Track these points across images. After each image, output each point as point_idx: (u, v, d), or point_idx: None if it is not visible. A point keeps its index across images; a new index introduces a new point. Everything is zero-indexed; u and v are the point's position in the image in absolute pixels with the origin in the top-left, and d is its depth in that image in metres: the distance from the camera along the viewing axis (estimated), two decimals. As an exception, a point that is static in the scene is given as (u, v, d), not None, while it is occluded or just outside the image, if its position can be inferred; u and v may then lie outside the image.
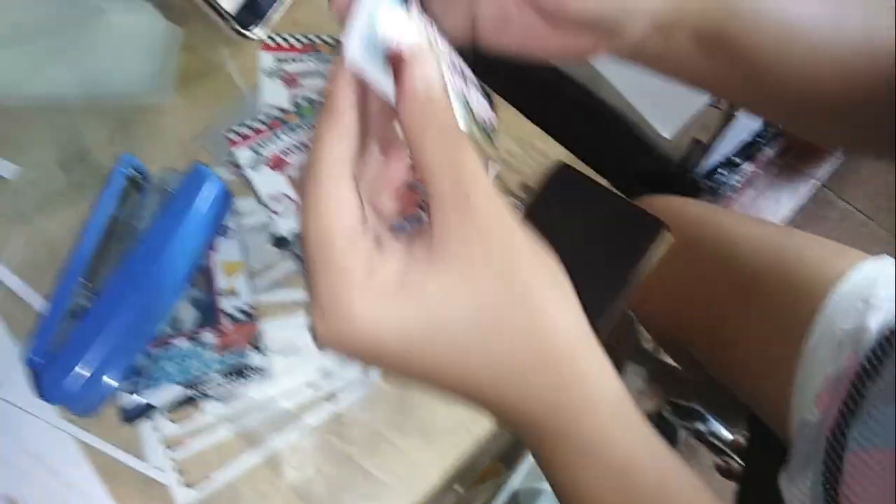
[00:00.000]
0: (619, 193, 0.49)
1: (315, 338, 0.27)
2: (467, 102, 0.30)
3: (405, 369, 0.29)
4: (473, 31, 0.36)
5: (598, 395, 0.29)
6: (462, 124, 0.28)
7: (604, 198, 0.49)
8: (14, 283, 0.48)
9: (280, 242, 0.49)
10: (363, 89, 0.28)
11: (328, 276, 0.27)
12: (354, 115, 0.28)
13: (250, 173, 0.50)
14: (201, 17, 0.55)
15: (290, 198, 0.50)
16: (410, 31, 0.27)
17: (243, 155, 0.51)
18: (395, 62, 0.27)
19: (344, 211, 0.27)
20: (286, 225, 0.49)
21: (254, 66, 0.55)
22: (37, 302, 0.48)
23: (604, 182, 0.51)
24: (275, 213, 0.50)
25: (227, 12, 0.53)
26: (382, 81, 0.27)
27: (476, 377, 0.28)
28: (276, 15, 0.55)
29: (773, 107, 0.43)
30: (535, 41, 0.37)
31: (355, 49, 0.26)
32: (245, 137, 0.51)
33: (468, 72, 0.32)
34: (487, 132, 0.31)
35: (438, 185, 0.27)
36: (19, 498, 0.44)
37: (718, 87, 0.43)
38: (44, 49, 0.53)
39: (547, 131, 0.55)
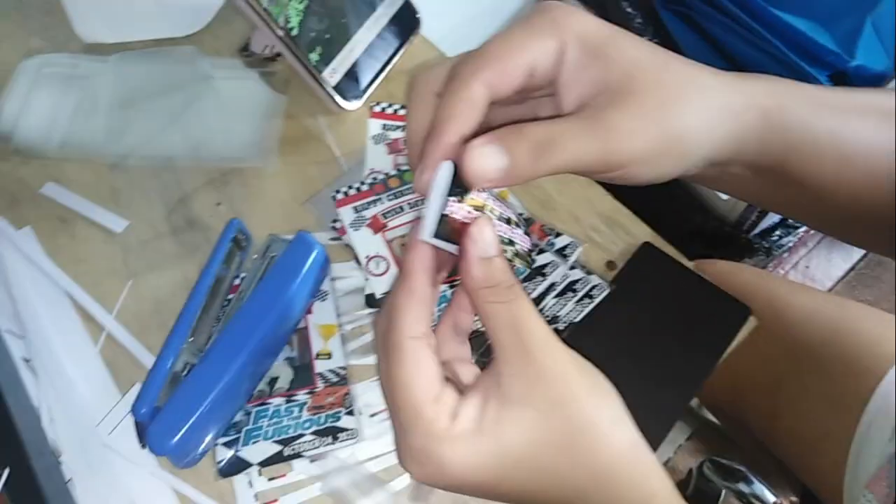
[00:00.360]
0: (703, 276, 0.50)
1: (407, 471, 0.34)
2: (512, 242, 0.36)
3: (492, 496, 0.34)
4: None
5: (651, 493, 0.33)
6: (511, 256, 0.35)
7: (688, 279, 0.51)
8: (121, 335, 0.51)
9: (373, 302, 0.52)
10: (436, 256, 0.34)
11: (415, 431, 0.32)
12: (427, 283, 0.34)
13: (351, 233, 0.53)
14: (302, 87, 0.58)
15: (385, 259, 0.52)
16: (470, 208, 0.33)
17: (346, 214, 0.54)
18: (460, 232, 0.33)
19: (424, 377, 0.33)
20: (380, 285, 0.51)
21: (349, 135, 0.58)
22: (141, 354, 0.51)
23: (686, 262, 0.52)
24: (370, 272, 0.52)
25: (328, 84, 0.56)
26: (450, 248, 0.33)
27: (551, 498, 0.34)
28: (373, 88, 0.58)
29: (828, 225, 0.45)
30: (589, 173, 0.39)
31: (429, 227, 0.33)
32: (350, 198, 0.54)
33: (513, 215, 0.37)
34: (525, 257, 0.37)
35: (500, 337, 0.32)
36: (117, 543, 0.46)
37: (770, 204, 0.45)
38: (158, 112, 0.57)
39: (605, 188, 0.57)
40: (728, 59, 0.93)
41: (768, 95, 0.36)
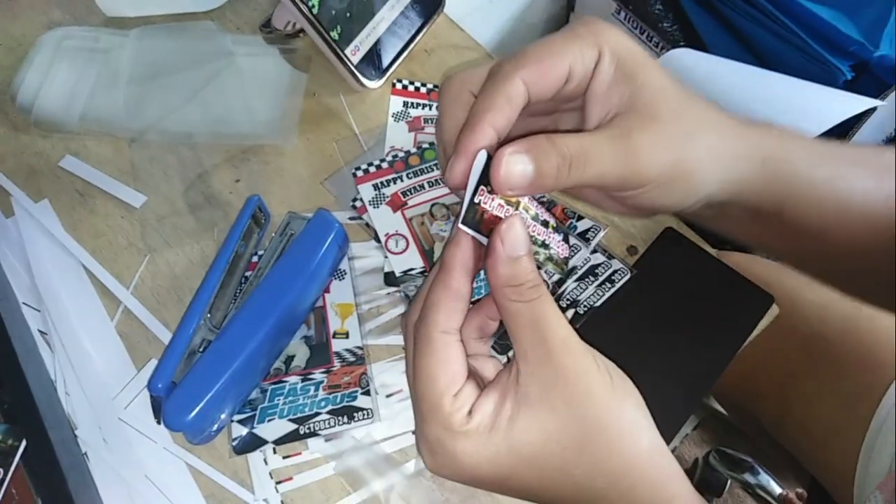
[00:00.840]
0: (725, 262, 0.50)
1: (422, 459, 0.35)
2: (546, 245, 0.37)
3: (501, 491, 0.35)
4: None
5: (668, 497, 0.34)
6: (544, 260, 0.36)
7: (711, 265, 0.50)
8: (138, 309, 0.51)
9: (391, 280, 0.51)
10: (477, 246, 0.35)
11: (435, 423, 0.33)
12: (464, 280, 0.34)
13: (371, 210, 0.52)
14: (323, 65, 0.58)
15: (404, 237, 0.52)
16: (503, 202, 0.34)
17: (366, 192, 0.53)
18: (492, 226, 0.34)
19: (449, 371, 0.34)
20: (399, 263, 0.51)
21: (370, 114, 0.58)
22: (157, 329, 0.51)
23: (708, 248, 0.52)
24: (389, 250, 0.51)
25: (350, 62, 0.55)
26: (481, 239, 0.34)
27: (561, 498, 0.34)
28: (395, 67, 0.57)
29: (829, 276, 0.46)
30: (589, 193, 0.42)
31: (461, 215, 0.33)
32: (369, 175, 0.54)
33: (552, 219, 0.38)
34: (561, 264, 0.38)
35: (521, 336, 0.33)
36: (131, 517, 0.46)
37: (769, 248, 0.45)
38: (178, 87, 0.56)
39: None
40: (748, 47, 0.92)
41: (770, 144, 0.38)
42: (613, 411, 0.33)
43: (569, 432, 0.32)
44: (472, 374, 0.35)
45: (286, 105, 0.57)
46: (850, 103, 0.75)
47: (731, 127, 0.37)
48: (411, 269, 0.51)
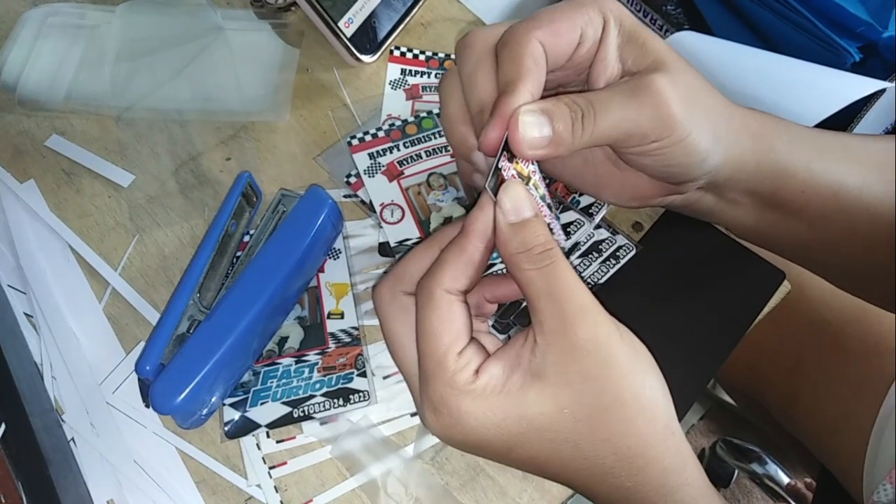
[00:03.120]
0: (732, 237, 0.48)
1: (426, 426, 0.33)
2: (552, 230, 0.35)
3: (504, 460, 0.33)
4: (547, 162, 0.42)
5: (679, 484, 0.32)
6: None
7: (719, 241, 0.48)
8: (126, 291, 0.49)
9: (385, 251, 0.50)
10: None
11: (437, 380, 0.32)
12: (479, 246, 0.33)
13: (366, 180, 0.51)
14: (316, 39, 0.56)
15: (400, 207, 0.50)
16: (515, 172, 0.33)
17: (361, 161, 0.51)
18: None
19: (452, 329, 0.32)
20: (394, 233, 0.49)
21: (364, 89, 0.56)
22: (146, 311, 0.49)
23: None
24: (384, 220, 0.50)
25: (344, 35, 0.53)
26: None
27: (566, 470, 0.33)
28: (390, 40, 0.56)
29: (823, 264, 0.46)
30: (592, 181, 0.42)
31: (487, 177, 0.33)
32: (365, 144, 0.52)
33: (555, 205, 0.38)
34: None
35: (537, 306, 0.31)
36: (119, 502, 0.44)
37: (768, 240, 0.46)
38: (166, 63, 0.54)
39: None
40: (754, 30, 0.90)
41: (758, 122, 0.38)
42: (633, 387, 0.31)
43: (583, 406, 0.31)
44: (478, 342, 0.34)
45: (278, 81, 0.55)
46: (859, 85, 0.74)
47: (724, 101, 0.38)
48: (407, 240, 0.49)
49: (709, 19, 0.95)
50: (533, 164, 0.34)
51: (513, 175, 0.33)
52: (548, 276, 0.31)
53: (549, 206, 0.35)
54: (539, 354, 0.31)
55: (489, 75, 0.36)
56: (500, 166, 0.33)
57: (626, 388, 0.31)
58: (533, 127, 0.33)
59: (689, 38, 0.76)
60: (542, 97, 0.35)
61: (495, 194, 0.32)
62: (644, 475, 0.32)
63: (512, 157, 0.33)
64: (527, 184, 0.33)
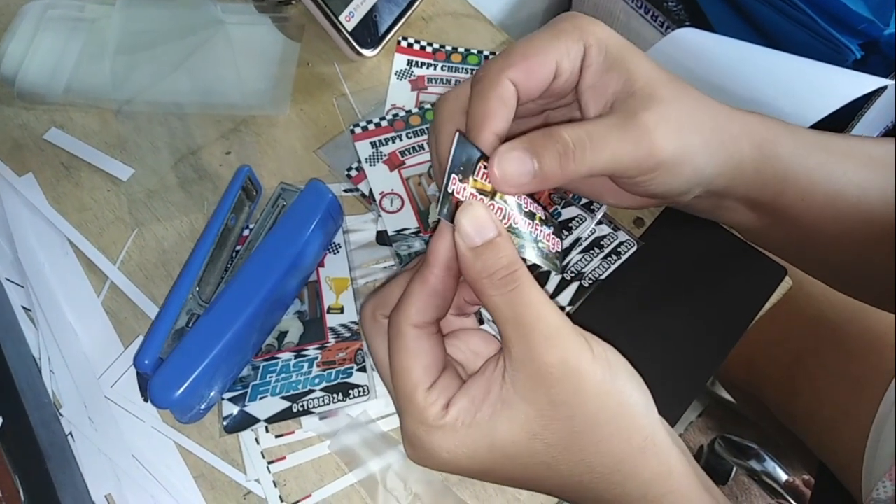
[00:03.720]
0: (734, 233, 0.48)
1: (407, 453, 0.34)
2: (536, 239, 0.35)
3: (484, 480, 0.34)
4: None
5: (662, 493, 0.32)
6: (533, 256, 0.33)
7: (721, 237, 0.48)
8: (125, 285, 0.49)
9: (382, 239, 0.49)
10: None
11: (408, 416, 0.32)
12: (441, 275, 0.33)
13: (367, 168, 0.51)
14: (317, 33, 0.56)
15: (399, 196, 0.50)
16: (474, 191, 0.32)
17: (363, 149, 0.51)
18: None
19: (420, 365, 0.32)
20: (392, 222, 0.49)
21: (365, 84, 0.56)
22: (145, 305, 0.49)
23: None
24: (383, 209, 0.49)
25: (345, 28, 0.53)
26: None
27: (543, 488, 0.34)
28: (392, 34, 0.55)
29: (819, 265, 0.46)
30: (588, 189, 0.42)
31: (438, 206, 0.31)
32: (367, 132, 0.52)
33: (539, 211, 0.36)
34: (553, 259, 0.36)
35: (505, 332, 0.31)
36: (118, 497, 0.44)
37: (766, 242, 0.46)
38: (165, 57, 0.54)
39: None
40: (755, 26, 0.90)
41: (762, 128, 0.38)
42: (607, 407, 0.31)
43: (555, 431, 0.31)
44: (453, 367, 0.34)
45: (278, 75, 0.55)
46: (860, 83, 0.74)
47: (720, 111, 0.37)
48: (405, 229, 0.49)
49: (710, 16, 0.95)
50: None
51: (472, 194, 0.32)
52: (512, 302, 0.30)
53: (529, 214, 0.34)
54: (508, 381, 0.31)
55: (458, 127, 0.36)
56: (450, 190, 0.31)
57: (600, 410, 0.31)
58: (513, 163, 0.33)
59: (690, 35, 0.76)
60: (531, 124, 0.35)
61: (451, 219, 0.31)
62: (623, 489, 0.32)
63: (465, 177, 0.32)
64: (492, 198, 0.33)
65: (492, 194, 0.33)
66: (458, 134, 0.32)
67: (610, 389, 0.31)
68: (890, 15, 0.83)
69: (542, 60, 0.35)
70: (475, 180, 0.32)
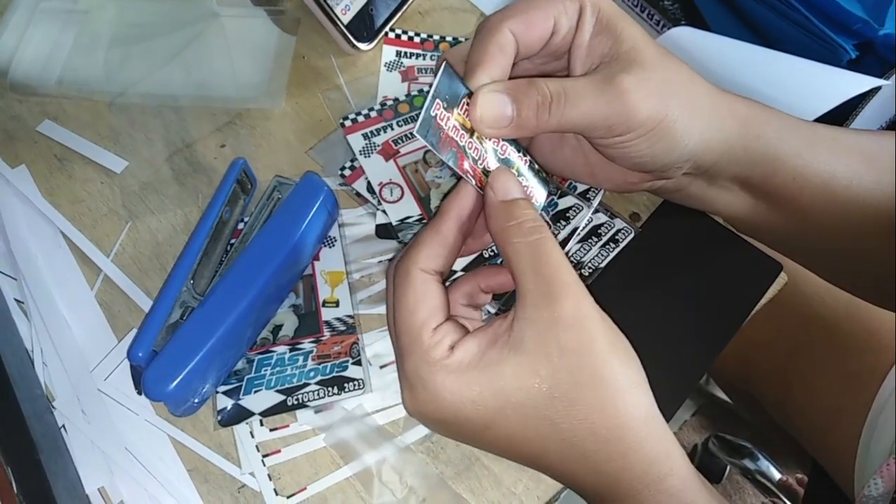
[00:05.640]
0: (730, 228, 0.48)
1: (404, 407, 0.33)
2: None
3: (481, 439, 0.33)
4: (528, 141, 0.42)
5: (663, 474, 0.32)
6: None
7: (717, 232, 0.48)
8: (119, 278, 0.49)
9: (384, 232, 0.49)
10: (476, 207, 0.35)
11: (412, 355, 0.32)
12: (453, 228, 0.34)
13: (362, 160, 0.50)
14: (313, 27, 0.55)
15: (398, 185, 0.50)
16: (457, 125, 0.33)
17: (356, 142, 0.51)
18: (450, 147, 0.33)
19: (427, 305, 0.32)
20: (395, 212, 0.49)
21: (361, 77, 0.56)
22: (139, 298, 0.48)
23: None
24: (384, 199, 0.49)
25: (341, 21, 0.53)
26: (438, 153, 0.33)
27: (545, 452, 0.32)
28: (388, 27, 0.55)
29: (815, 257, 0.46)
30: (584, 169, 0.42)
31: (418, 123, 0.32)
32: (358, 124, 0.52)
33: (519, 161, 0.37)
34: (541, 211, 0.37)
35: (522, 280, 0.31)
36: (111, 490, 0.44)
37: (762, 231, 0.46)
38: (159, 49, 0.54)
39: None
40: (750, 25, 0.90)
41: (749, 109, 0.39)
42: (613, 367, 0.31)
43: (561, 381, 0.30)
44: (456, 321, 0.34)
45: (274, 68, 0.55)
46: (854, 83, 0.74)
47: (707, 89, 0.38)
48: (408, 217, 0.49)
49: (705, 15, 0.95)
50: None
51: (454, 126, 0.33)
52: (536, 249, 0.31)
53: (505, 161, 0.36)
54: (518, 328, 0.31)
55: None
56: (432, 114, 0.32)
57: (605, 366, 0.31)
58: (493, 105, 0.34)
59: (685, 34, 0.76)
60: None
61: (427, 139, 0.32)
62: (625, 461, 0.31)
63: (450, 108, 0.33)
64: (471, 136, 0.34)
65: (471, 132, 0.34)
66: (444, 63, 0.33)
67: (616, 353, 0.31)
68: (885, 16, 0.83)
69: (542, 15, 0.36)
70: (459, 114, 0.33)
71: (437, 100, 0.32)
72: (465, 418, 0.31)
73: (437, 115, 0.32)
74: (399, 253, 0.36)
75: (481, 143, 0.34)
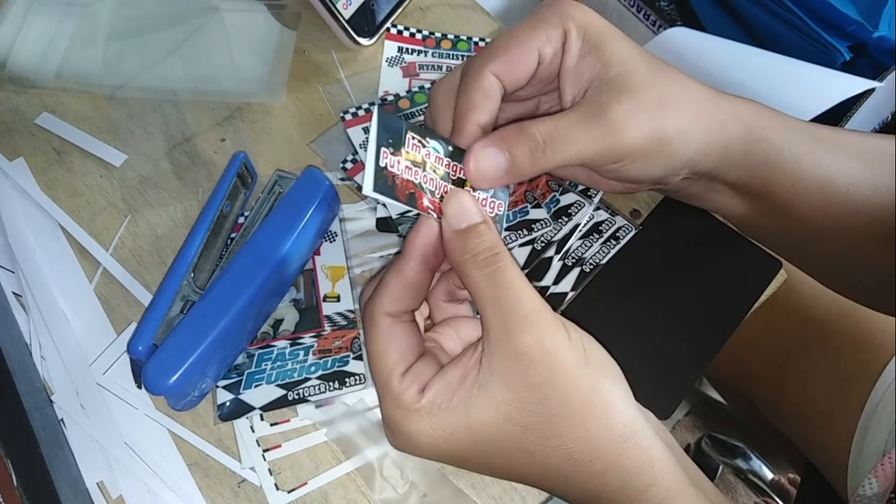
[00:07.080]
0: (730, 226, 0.48)
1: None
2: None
3: (462, 467, 0.34)
4: None
5: (645, 485, 0.32)
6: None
7: (717, 229, 0.48)
8: (118, 271, 0.49)
9: (384, 226, 0.49)
10: (439, 239, 0.34)
11: (385, 400, 0.33)
12: (417, 268, 0.33)
13: (361, 153, 0.51)
14: (314, 21, 0.55)
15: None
16: (409, 163, 0.33)
17: (356, 135, 0.51)
18: (408, 191, 0.33)
19: (394, 351, 0.33)
20: (393, 207, 0.49)
21: (362, 72, 0.56)
22: (138, 292, 0.48)
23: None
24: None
25: (342, 16, 0.53)
26: (397, 204, 0.32)
27: (525, 476, 0.33)
28: (389, 22, 0.55)
29: (811, 259, 0.46)
30: (583, 175, 0.42)
31: (367, 181, 0.31)
32: (358, 118, 0.52)
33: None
34: (502, 222, 0.37)
35: (485, 314, 0.31)
36: (110, 484, 0.43)
37: (759, 234, 0.46)
38: (158, 43, 0.54)
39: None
40: (746, 27, 0.91)
41: (751, 113, 0.38)
42: (582, 392, 0.31)
43: (530, 414, 0.31)
44: (432, 354, 0.34)
45: (274, 63, 0.54)
46: (848, 84, 0.74)
47: (707, 95, 0.37)
48: (408, 212, 0.49)
49: (701, 15, 0.95)
50: (430, 145, 0.34)
51: (406, 167, 0.33)
52: (494, 282, 0.31)
53: (459, 182, 0.35)
54: (486, 363, 0.31)
55: (450, 115, 0.38)
56: (382, 164, 0.32)
57: (575, 394, 0.31)
58: (487, 159, 0.34)
59: (680, 34, 0.76)
60: (522, 117, 0.36)
61: (384, 193, 0.32)
62: (604, 478, 0.31)
63: (397, 150, 0.33)
64: (424, 169, 0.34)
65: (423, 165, 0.34)
66: (377, 107, 0.33)
67: (585, 373, 0.31)
68: (879, 18, 0.84)
69: (525, 50, 0.36)
70: (407, 152, 0.33)
71: (383, 148, 0.32)
72: (442, 453, 0.32)
73: (386, 164, 0.32)
74: (368, 290, 0.36)
75: (434, 171, 0.34)
